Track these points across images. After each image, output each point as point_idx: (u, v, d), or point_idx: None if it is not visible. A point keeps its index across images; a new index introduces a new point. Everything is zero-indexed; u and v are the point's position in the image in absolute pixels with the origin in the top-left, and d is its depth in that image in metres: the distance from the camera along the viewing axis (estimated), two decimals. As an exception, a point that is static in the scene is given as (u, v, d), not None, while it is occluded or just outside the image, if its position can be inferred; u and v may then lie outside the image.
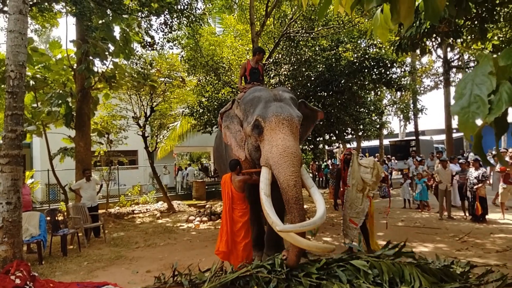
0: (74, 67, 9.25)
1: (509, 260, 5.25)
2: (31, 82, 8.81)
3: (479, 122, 0.87)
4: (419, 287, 3.93)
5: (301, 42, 9.37)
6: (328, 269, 4.38)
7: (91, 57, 8.70)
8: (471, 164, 8.89)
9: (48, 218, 7.18)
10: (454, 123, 18.90)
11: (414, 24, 5.60)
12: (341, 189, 6.33)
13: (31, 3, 8.45)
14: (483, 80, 0.89)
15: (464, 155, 17.09)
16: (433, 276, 4.19)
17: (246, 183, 5.19)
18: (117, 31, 9.12)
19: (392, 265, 4.36)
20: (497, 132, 0.95)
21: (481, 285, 4.16)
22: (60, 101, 8.60)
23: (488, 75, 0.89)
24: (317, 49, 9.38)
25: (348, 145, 19.32)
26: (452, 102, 0.95)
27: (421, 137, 22.14)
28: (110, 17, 8.43)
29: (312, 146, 12.20)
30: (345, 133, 12.57)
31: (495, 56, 0.93)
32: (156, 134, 13.58)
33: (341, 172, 6.36)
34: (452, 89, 17.96)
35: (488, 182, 9.07)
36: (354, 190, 5.78)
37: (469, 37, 7.13)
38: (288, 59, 9.13)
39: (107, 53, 8.71)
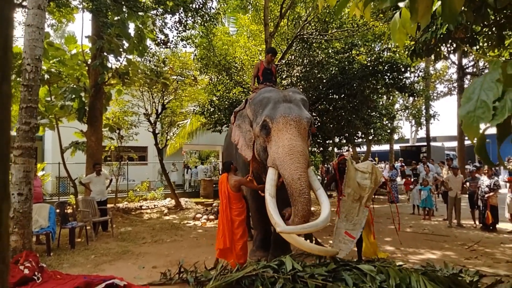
0: (89, 62, 9.37)
1: (519, 271, 5.16)
2: (46, 76, 8.93)
3: (483, 126, 0.88)
4: (426, 295, 3.89)
5: (314, 44, 9.34)
6: (334, 272, 4.36)
7: (105, 53, 8.80)
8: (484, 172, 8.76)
9: (58, 211, 7.28)
10: (467, 130, 18.62)
11: (430, 29, 5.54)
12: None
13: (49, -2, 8.60)
14: (490, 86, 0.89)
15: (473, 164, 16.75)
16: (440, 284, 4.14)
17: (242, 184, 5.27)
18: (132, 28, 9.21)
19: (399, 271, 4.32)
20: (498, 137, 0.96)
21: (490, 295, 4.10)
22: (73, 96, 8.72)
23: (496, 82, 0.89)
24: (330, 51, 9.34)
25: (358, 149, 19.20)
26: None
27: (432, 143, 21.90)
28: (126, 14, 8.52)
29: (322, 148, 12.16)
30: (355, 137, 12.49)
31: (504, 63, 0.93)
32: (166, 131, 13.67)
33: (337, 179, 5.67)
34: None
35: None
36: (350, 200, 5.31)
37: (485, 44, 7.03)
38: (300, 60, 9.11)
39: (121, 49, 8.80)
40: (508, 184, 8.42)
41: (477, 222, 8.69)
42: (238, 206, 5.27)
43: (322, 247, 4.65)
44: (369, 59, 9.18)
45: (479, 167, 9.47)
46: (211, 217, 9.96)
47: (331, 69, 8.82)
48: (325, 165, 18.65)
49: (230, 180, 5.24)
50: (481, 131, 0.88)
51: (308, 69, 8.85)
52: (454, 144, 21.77)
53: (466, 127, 0.88)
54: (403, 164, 17.56)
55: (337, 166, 5.66)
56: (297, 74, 8.92)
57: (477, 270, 4.94)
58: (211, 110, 10.60)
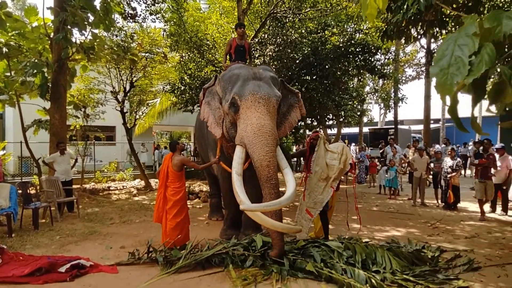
0: (51, 36, 8.85)
1: (476, 246, 5.44)
2: (4, 49, 8.39)
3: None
4: (390, 269, 4.03)
5: (287, 23, 9.24)
6: (304, 249, 4.44)
7: (69, 26, 8.32)
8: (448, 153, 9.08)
9: (20, 191, 6.97)
10: (433, 113, 19.28)
11: (401, 10, 5.57)
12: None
13: (4, -36, 7.98)
14: (466, 41, 0.86)
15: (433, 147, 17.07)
16: (404, 259, 4.32)
17: (184, 163, 5.38)
18: (97, 0, 8.74)
19: (366, 247, 4.46)
20: (474, 97, 0.93)
21: (449, 269, 4.32)
22: (35, 71, 8.23)
23: (472, 36, 0.86)
24: (303, 31, 9.27)
25: (329, 131, 19.44)
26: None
27: (399, 126, 22.53)
28: (91, -15, 8.06)
29: (293, 130, 12.21)
30: (326, 119, 12.61)
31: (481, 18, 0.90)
32: (135, 110, 13.29)
33: (307, 156, 5.62)
34: (434, 80, 18.25)
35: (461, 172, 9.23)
36: (316, 178, 5.25)
37: (453, 29, 7.17)
38: (273, 39, 8.99)
39: (86, 23, 8.34)
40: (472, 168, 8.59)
41: (439, 201, 9.07)
42: (175, 186, 5.27)
43: (285, 225, 4.65)
44: (341, 40, 9.18)
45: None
46: (182, 197, 9.85)
47: (304, 49, 8.77)
48: (299, 147, 18.75)
49: (173, 159, 5.30)
50: (454, 90, 0.84)
51: (281, 48, 8.76)
52: (420, 127, 22.52)
53: (439, 85, 0.84)
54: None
55: (309, 143, 5.55)
56: (270, 53, 8.82)
57: (439, 246, 5.18)
58: (182, 88, 10.35)
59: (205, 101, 5.20)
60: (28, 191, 7.21)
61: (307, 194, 5.31)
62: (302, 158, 5.98)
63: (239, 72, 4.88)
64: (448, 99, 0.86)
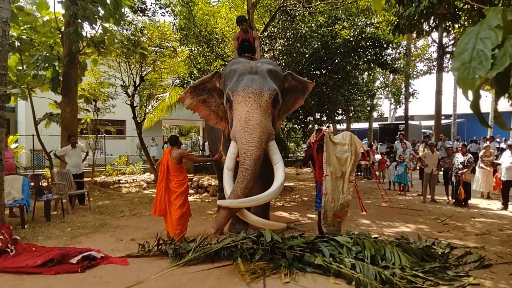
0: (62, 30, 8.92)
1: (487, 243, 5.38)
2: (17, 43, 8.47)
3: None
4: (400, 265, 4.01)
5: (297, 17, 9.16)
6: (312, 243, 4.44)
7: (79, 20, 8.37)
8: (459, 149, 8.97)
9: (32, 183, 7.07)
10: (444, 109, 19.04)
11: (413, 3, 5.49)
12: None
13: (16, -42, 8.03)
14: (488, 34, 0.84)
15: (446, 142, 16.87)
16: (414, 255, 4.29)
17: (183, 156, 5.48)
18: (107, -6, 8.75)
19: (375, 243, 4.44)
20: (497, 91, 0.91)
21: (460, 266, 4.28)
22: (46, 65, 8.31)
23: (495, 29, 0.84)
24: (313, 25, 9.19)
25: (338, 126, 19.33)
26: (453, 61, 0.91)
27: (410, 122, 22.26)
28: (101, -21, 8.08)
29: (303, 125, 12.15)
30: (336, 113, 12.51)
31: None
32: (145, 104, 13.36)
33: (314, 157, 5.32)
34: (445, 75, 17.96)
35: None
36: (334, 179, 4.96)
37: (466, 23, 7.04)
38: (283, 33, 8.93)
39: (96, 16, 8.39)
40: None
41: (450, 198, 8.97)
42: (178, 179, 5.41)
43: (267, 222, 4.59)
44: (352, 34, 9.09)
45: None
46: (191, 191, 9.92)
47: (313, 43, 8.69)
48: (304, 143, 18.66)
49: (172, 153, 5.42)
50: (476, 84, 0.82)
51: (290, 42, 8.69)
52: (431, 123, 22.24)
53: (461, 80, 0.82)
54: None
55: (316, 144, 5.23)
56: (280, 47, 8.76)
57: (449, 243, 5.14)
58: (191, 83, 10.36)
59: (198, 99, 5.19)
60: (40, 184, 7.33)
61: (331, 199, 4.99)
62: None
63: (236, 67, 4.89)
64: (470, 94, 0.84)
